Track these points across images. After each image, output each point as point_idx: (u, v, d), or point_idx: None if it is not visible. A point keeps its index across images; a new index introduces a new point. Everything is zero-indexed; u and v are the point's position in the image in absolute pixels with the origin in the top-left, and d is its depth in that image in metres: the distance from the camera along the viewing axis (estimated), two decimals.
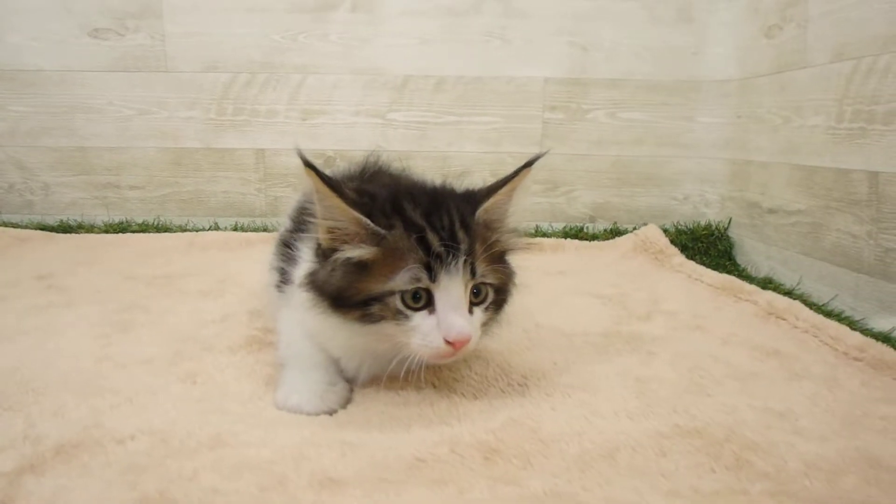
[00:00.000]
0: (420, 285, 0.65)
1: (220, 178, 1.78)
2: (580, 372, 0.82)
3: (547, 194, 1.75)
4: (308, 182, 0.65)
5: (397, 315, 0.65)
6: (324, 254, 0.69)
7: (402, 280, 0.65)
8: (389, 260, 0.65)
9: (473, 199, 0.72)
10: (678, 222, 1.71)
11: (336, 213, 0.66)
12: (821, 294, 1.22)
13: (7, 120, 1.74)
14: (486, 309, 0.71)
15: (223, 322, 1.01)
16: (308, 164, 0.64)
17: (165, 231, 1.72)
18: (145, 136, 1.76)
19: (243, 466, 0.59)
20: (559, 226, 1.74)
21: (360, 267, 0.66)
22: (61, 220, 1.77)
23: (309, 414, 0.69)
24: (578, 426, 0.67)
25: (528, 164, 0.73)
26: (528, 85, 1.71)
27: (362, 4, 1.69)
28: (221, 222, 1.78)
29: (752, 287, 1.15)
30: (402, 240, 0.65)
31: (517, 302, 1.07)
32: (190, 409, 0.71)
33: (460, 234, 0.67)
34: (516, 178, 0.72)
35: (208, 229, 1.75)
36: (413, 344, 0.66)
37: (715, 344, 0.92)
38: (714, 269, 1.49)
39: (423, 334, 0.65)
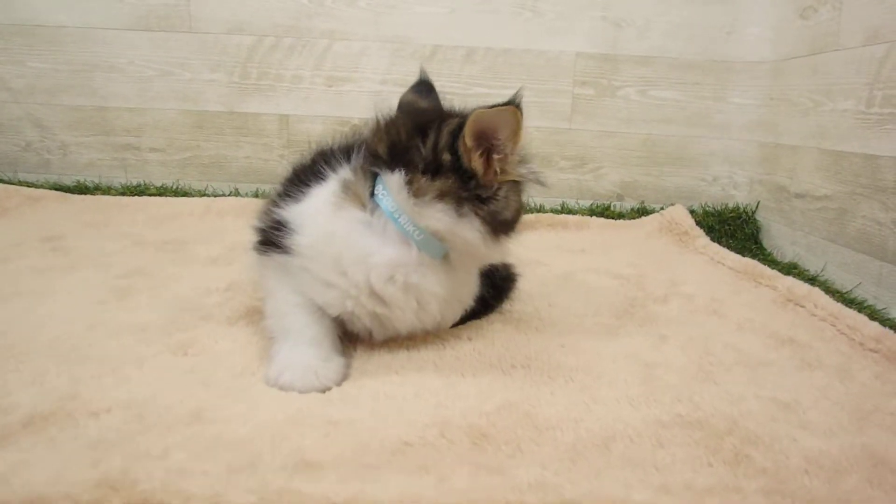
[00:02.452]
0: None
1: (243, 143, 1.89)
2: (587, 355, 0.84)
3: (574, 171, 1.88)
4: (513, 121, 0.75)
5: None
6: (490, 194, 0.78)
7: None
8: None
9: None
10: (706, 204, 1.84)
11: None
12: (844, 281, 1.34)
13: (26, 76, 1.85)
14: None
15: (227, 291, 1.05)
16: (517, 106, 0.74)
17: (184, 196, 1.83)
18: (167, 97, 1.87)
19: (218, 444, 0.59)
20: (586, 203, 1.87)
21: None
22: (78, 181, 1.88)
23: (302, 391, 0.71)
24: (576, 412, 0.69)
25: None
26: (559, 59, 1.82)
27: None
28: (242, 188, 1.90)
29: (773, 272, 1.24)
30: None
31: (531, 279, 1.15)
32: (175, 382, 0.72)
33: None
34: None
35: (228, 195, 1.87)
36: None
37: (730, 329, 0.97)
38: (740, 252, 1.60)
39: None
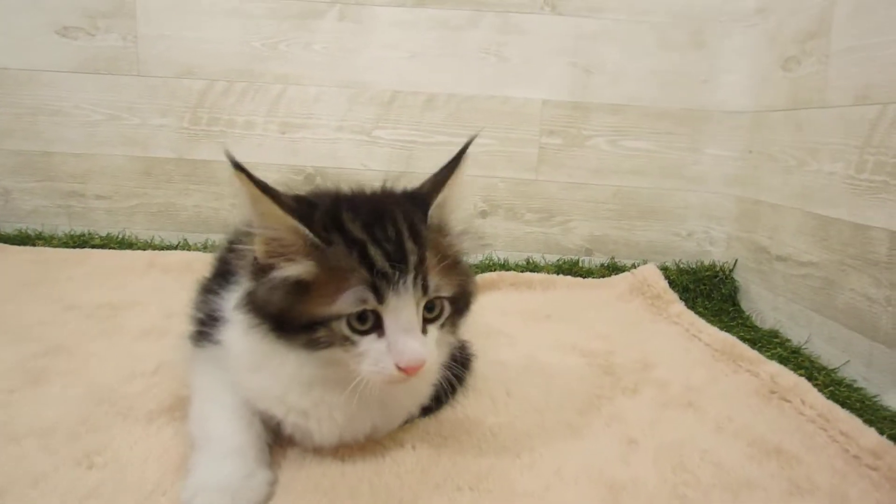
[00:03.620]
0: (366, 307, 0.59)
1: (192, 191, 1.68)
2: (545, 474, 0.71)
3: (541, 224, 1.66)
4: (239, 187, 0.59)
5: (344, 341, 0.60)
6: (261, 270, 0.61)
7: (346, 302, 0.58)
8: (331, 279, 0.59)
9: (421, 199, 0.66)
10: (680, 260, 1.62)
11: (271, 220, 0.59)
12: (830, 357, 1.13)
13: None
14: (443, 325, 0.65)
15: (153, 375, 0.91)
16: (237, 166, 0.58)
17: (129, 246, 1.63)
18: (114, 142, 1.66)
19: None
20: (553, 258, 1.65)
21: (301, 287, 0.60)
22: (20, 230, 1.68)
23: None
24: None
25: (464, 149, 0.67)
26: (525, 106, 1.62)
27: (350, 13, 1.59)
28: (191, 238, 1.68)
29: (755, 354, 1.04)
30: (343, 256, 0.59)
31: (491, 359, 0.98)
32: None
33: (408, 245, 0.61)
34: (462, 164, 0.66)
35: (177, 245, 1.65)
36: (363, 370, 0.60)
37: (707, 430, 0.82)
38: (717, 314, 1.41)
39: (374, 360, 0.60)
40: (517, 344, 1.12)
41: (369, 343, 0.60)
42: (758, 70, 1.50)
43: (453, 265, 0.65)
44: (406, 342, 0.59)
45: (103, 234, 1.68)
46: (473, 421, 0.80)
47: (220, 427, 0.66)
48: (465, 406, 0.84)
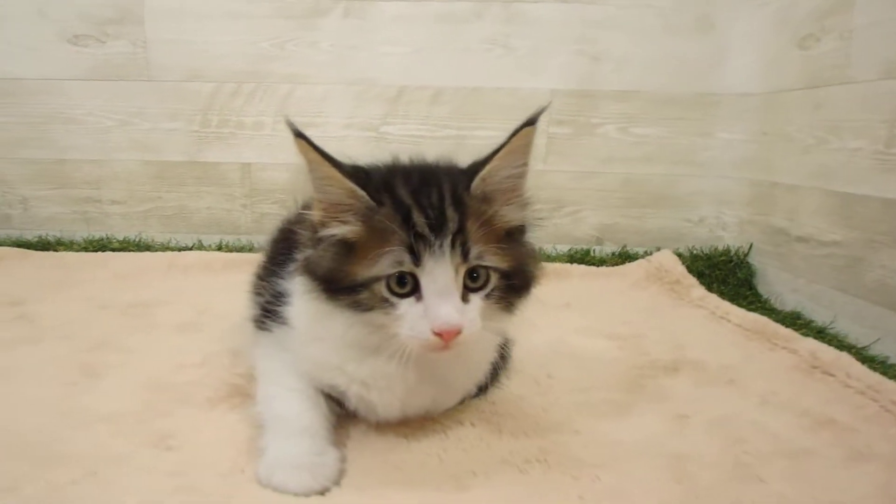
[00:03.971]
0: (403, 269, 0.60)
1: (204, 193, 1.66)
2: (607, 446, 0.70)
3: (551, 214, 1.61)
4: (301, 155, 0.60)
5: (384, 303, 0.60)
6: (317, 235, 0.64)
7: (385, 264, 0.59)
8: (375, 242, 0.60)
9: (468, 171, 0.65)
10: (693, 247, 1.56)
11: (329, 184, 0.61)
12: (859, 335, 1.07)
13: None
14: (490, 296, 0.62)
15: (202, 366, 0.91)
16: (299, 135, 0.58)
17: (147, 249, 1.61)
18: (126, 148, 1.64)
19: None
20: (564, 248, 1.60)
21: (348, 248, 0.61)
22: (40, 236, 1.66)
23: (297, 494, 0.59)
24: None
25: (530, 122, 0.62)
26: (533, 97, 1.57)
27: (354, 10, 1.56)
28: (205, 240, 1.66)
29: (789, 332, 1.00)
30: (389, 219, 0.60)
31: (524, 345, 0.95)
32: (162, 487, 0.60)
33: (449, 211, 0.60)
34: (515, 139, 0.62)
35: (192, 247, 1.63)
36: (402, 335, 0.60)
37: (752, 405, 0.79)
38: (734, 298, 1.35)
39: (411, 324, 0.60)
40: (542, 330, 1.07)
41: (407, 306, 0.60)
42: (769, 51, 1.44)
43: (504, 238, 0.63)
44: (441, 306, 0.58)
45: (120, 237, 1.66)
46: (524, 400, 0.80)
47: (289, 408, 0.67)
48: (510, 388, 0.82)
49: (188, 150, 1.64)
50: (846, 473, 0.64)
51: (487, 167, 0.63)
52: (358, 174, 0.62)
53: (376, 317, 0.61)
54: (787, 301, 1.31)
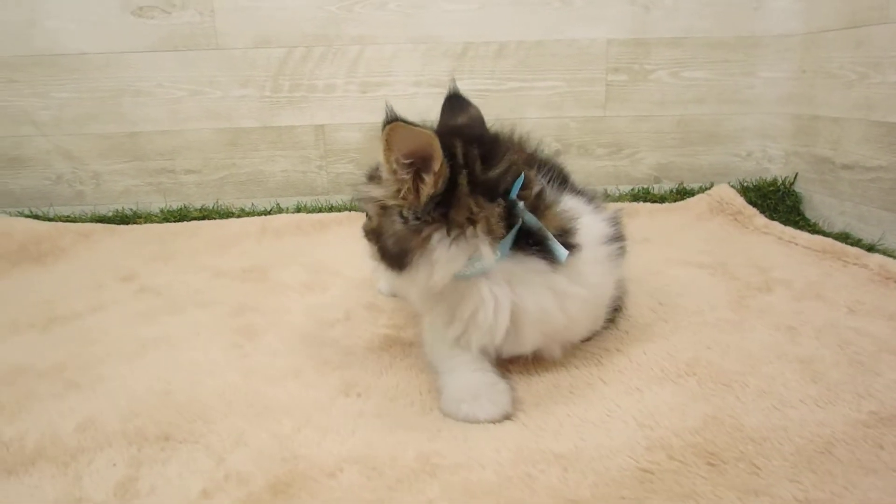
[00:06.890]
0: None
1: (279, 157, 1.75)
2: (741, 355, 0.79)
3: (611, 157, 1.77)
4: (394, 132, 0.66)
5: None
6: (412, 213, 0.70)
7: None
8: None
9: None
10: (743, 179, 1.75)
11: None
12: None
13: (51, 108, 1.68)
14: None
15: (347, 321, 0.98)
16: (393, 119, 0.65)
17: (228, 216, 1.70)
18: (198, 117, 1.72)
19: (477, 492, 0.56)
20: (625, 188, 1.77)
21: None
22: (116, 210, 1.74)
23: (485, 421, 0.67)
24: (776, 420, 0.65)
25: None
26: (591, 47, 1.70)
27: None
28: (283, 202, 1.77)
29: (856, 249, 1.16)
30: None
31: (629, 279, 1.05)
32: (373, 428, 0.67)
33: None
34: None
35: (270, 211, 1.74)
36: None
37: (843, 314, 0.91)
38: (786, 224, 1.54)
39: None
40: (632, 264, 1.22)
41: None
42: None
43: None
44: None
45: (198, 206, 1.75)
46: (652, 326, 0.89)
47: (455, 350, 0.75)
48: (634, 317, 0.92)
49: (261, 115, 1.72)
50: None
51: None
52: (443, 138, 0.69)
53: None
54: (836, 223, 1.52)
